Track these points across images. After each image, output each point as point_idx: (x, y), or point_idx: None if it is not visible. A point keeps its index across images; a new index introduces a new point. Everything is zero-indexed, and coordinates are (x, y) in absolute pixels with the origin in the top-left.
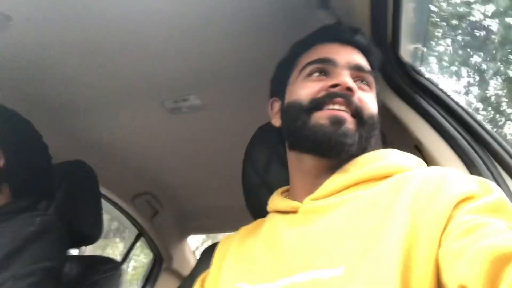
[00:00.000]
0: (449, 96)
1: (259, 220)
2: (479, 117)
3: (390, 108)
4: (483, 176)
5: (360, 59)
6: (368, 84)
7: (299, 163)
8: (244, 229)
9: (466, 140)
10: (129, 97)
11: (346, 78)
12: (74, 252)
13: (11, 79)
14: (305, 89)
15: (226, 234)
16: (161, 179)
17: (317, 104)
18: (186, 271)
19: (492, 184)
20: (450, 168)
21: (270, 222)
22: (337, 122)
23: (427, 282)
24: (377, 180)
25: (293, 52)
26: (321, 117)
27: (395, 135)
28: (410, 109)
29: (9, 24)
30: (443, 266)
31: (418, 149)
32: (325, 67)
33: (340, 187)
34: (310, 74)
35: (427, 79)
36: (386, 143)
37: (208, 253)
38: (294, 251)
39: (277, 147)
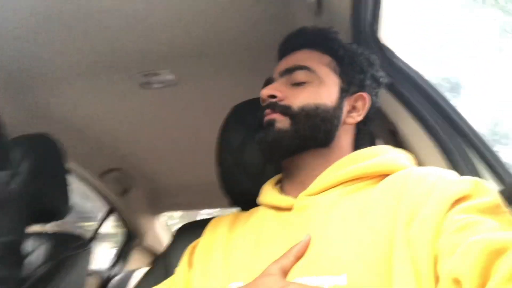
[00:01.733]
0: (426, 81)
1: (250, 211)
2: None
3: None
4: (457, 162)
5: (296, 59)
6: (306, 77)
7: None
8: (235, 217)
9: (440, 125)
10: (98, 70)
11: (264, 90)
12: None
13: None
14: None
15: (201, 211)
16: (133, 155)
17: (260, 122)
18: (158, 248)
19: (488, 185)
20: (444, 169)
21: (263, 219)
22: (268, 124)
23: (434, 283)
24: (371, 178)
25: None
26: (261, 127)
27: None
28: (387, 93)
29: None
30: (438, 262)
31: (393, 133)
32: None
33: (334, 182)
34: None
35: (405, 63)
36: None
37: (185, 232)
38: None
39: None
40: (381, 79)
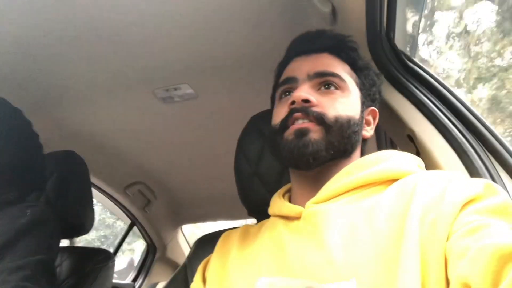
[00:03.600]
0: (443, 85)
1: (261, 223)
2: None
3: (384, 97)
4: (474, 166)
5: (323, 64)
6: (336, 85)
7: (293, 173)
8: (245, 230)
9: (459, 130)
10: (120, 87)
11: (299, 93)
12: (65, 243)
13: (0, 68)
14: (276, 114)
15: (219, 222)
16: (154, 168)
17: (284, 124)
18: (180, 260)
19: (498, 186)
20: (454, 172)
21: (274, 230)
22: (301, 134)
23: (443, 287)
24: (379, 184)
25: (276, 74)
26: (289, 133)
27: (388, 125)
28: (404, 98)
29: None
30: (448, 265)
31: (411, 138)
32: (290, 87)
33: (342, 189)
34: (281, 97)
35: (421, 68)
36: (379, 133)
37: (204, 243)
38: (300, 263)
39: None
40: (381, 92)
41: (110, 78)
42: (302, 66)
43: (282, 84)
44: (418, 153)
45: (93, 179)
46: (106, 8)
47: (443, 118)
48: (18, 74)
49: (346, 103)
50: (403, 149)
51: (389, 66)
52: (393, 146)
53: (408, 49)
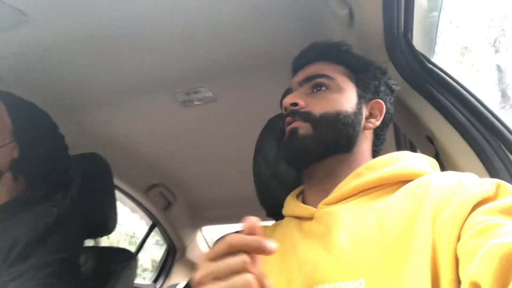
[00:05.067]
0: (462, 86)
1: (276, 224)
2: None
3: (403, 98)
4: (495, 167)
5: (313, 70)
6: (326, 85)
7: (302, 174)
8: (264, 230)
9: (479, 131)
10: (141, 91)
11: (287, 99)
12: (89, 243)
13: (27, 73)
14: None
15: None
16: (174, 170)
17: (283, 130)
18: None
19: (510, 186)
20: (466, 173)
21: (286, 229)
22: (291, 133)
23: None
24: (391, 185)
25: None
26: (285, 136)
27: (407, 126)
28: (423, 100)
29: (24, 20)
30: (459, 265)
31: (430, 140)
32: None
33: (354, 190)
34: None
35: (440, 69)
36: (398, 134)
37: None
38: (310, 263)
39: None
40: (393, 87)
41: (131, 83)
42: (297, 78)
43: (282, 98)
44: (437, 155)
45: (116, 181)
46: (127, 16)
47: (462, 119)
48: (45, 79)
49: (336, 99)
50: (422, 150)
51: (407, 67)
52: (412, 147)
53: (427, 50)
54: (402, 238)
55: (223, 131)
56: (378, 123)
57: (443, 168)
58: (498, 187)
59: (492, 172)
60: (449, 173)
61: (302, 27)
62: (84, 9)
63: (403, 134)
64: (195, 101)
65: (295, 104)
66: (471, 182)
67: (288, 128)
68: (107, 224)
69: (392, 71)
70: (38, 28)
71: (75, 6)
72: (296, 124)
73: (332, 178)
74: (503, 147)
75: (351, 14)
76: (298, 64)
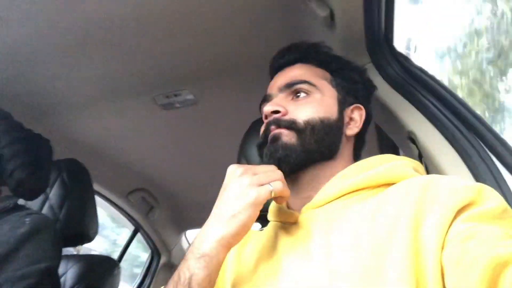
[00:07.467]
0: (442, 86)
1: (262, 228)
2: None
3: (384, 99)
4: (477, 166)
5: (293, 75)
6: (307, 91)
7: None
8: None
9: (460, 130)
10: (120, 94)
11: (267, 107)
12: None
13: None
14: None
15: None
16: (156, 174)
17: (265, 137)
18: None
19: (491, 190)
20: (449, 176)
21: (272, 235)
22: (274, 139)
23: None
24: (373, 188)
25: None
26: (268, 143)
27: (389, 127)
28: (404, 100)
29: None
30: (444, 274)
31: (412, 140)
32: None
33: (337, 193)
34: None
35: (421, 69)
36: (381, 136)
37: None
38: (294, 267)
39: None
40: (370, 88)
41: (110, 86)
42: (276, 82)
43: (261, 103)
44: (420, 155)
45: (96, 186)
46: (105, 16)
47: (444, 119)
48: (18, 84)
49: (318, 106)
50: (405, 151)
51: (388, 68)
52: (395, 149)
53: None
54: (384, 244)
55: (205, 134)
56: (357, 129)
57: (425, 167)
58: (479, 191)
59: (476, 174)
60: (430, 177)
61: (283, 29)
62: (58, 9)
63: (385, 134)
64: (175, 104)
65: (277, 112)
66: (453, 186)
67: (271, 134)
68: (88, 231)
69: (373, 73)
70: (9, 33)
71: (46, 7)
72: (280, 130)
73: (315, 185)
74: (484, 147)
75: (332, 16)
76: (277, 66)
